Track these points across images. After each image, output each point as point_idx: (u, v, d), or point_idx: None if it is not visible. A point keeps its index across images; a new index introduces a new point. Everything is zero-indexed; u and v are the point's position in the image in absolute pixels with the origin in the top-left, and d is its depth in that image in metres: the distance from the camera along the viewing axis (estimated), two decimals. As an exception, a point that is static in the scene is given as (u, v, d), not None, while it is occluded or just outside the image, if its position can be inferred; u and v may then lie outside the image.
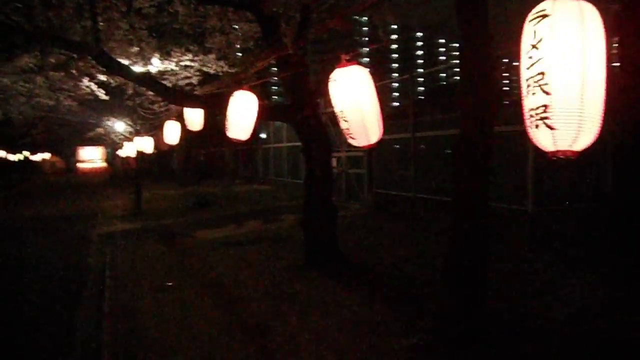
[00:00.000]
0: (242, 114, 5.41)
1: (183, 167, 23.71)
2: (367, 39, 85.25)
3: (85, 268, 7.88)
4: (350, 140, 4.08)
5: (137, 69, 13.10)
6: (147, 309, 5.49)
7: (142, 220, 12.87)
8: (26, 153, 43.90)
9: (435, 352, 3.92)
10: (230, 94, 5.49)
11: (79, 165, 52.85)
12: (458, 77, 4.03)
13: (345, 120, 3.94)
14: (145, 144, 13.67)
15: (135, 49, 11.14)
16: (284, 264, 7.02)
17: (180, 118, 9.68)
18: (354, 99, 3.89)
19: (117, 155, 34.69)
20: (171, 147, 22.80)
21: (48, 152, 52.83)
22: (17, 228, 13.00)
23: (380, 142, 4.12)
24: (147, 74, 10.07)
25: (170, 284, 6.37)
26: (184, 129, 9.72)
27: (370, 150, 13.04)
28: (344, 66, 3.94)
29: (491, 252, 4.05)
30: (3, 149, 34.17)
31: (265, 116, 7.04)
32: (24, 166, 44.37)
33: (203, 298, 5.77)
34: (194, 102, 7.44)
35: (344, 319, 4.79)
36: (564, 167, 7.20)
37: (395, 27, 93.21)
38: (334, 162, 14.84)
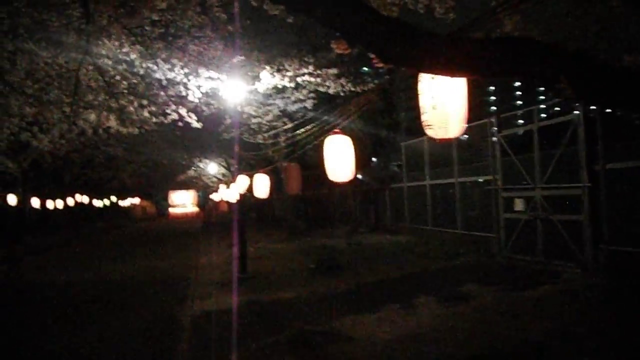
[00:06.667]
0: None
1: (293, 213, 19.42)
2: None
3: None
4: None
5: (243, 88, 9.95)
6: None
7: (249, 290, 8.90)
8: (113, 198, 41.89)
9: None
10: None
11: (171, 210, 52.05)
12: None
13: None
14: (261, 184, 9.69)
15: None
16: None
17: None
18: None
19: (211, 200, 32.42)
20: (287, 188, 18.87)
21: (137, 196, 51.34)
22: (74, 301, 9.21)
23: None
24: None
25: None
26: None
27: (596, 182, 8.38)
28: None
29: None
30: (86, 194, 31.44)
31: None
32: (112, 212, 42.22)
33: None
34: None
35: None
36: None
37: None
38: (520, 204, 10.26)
